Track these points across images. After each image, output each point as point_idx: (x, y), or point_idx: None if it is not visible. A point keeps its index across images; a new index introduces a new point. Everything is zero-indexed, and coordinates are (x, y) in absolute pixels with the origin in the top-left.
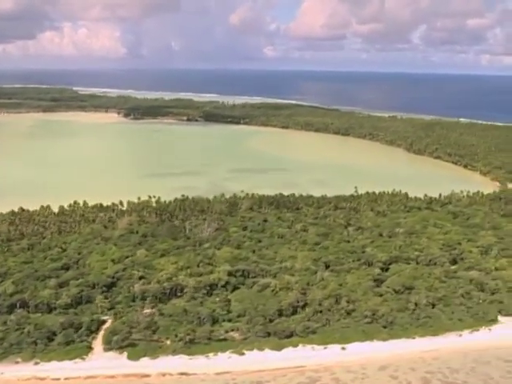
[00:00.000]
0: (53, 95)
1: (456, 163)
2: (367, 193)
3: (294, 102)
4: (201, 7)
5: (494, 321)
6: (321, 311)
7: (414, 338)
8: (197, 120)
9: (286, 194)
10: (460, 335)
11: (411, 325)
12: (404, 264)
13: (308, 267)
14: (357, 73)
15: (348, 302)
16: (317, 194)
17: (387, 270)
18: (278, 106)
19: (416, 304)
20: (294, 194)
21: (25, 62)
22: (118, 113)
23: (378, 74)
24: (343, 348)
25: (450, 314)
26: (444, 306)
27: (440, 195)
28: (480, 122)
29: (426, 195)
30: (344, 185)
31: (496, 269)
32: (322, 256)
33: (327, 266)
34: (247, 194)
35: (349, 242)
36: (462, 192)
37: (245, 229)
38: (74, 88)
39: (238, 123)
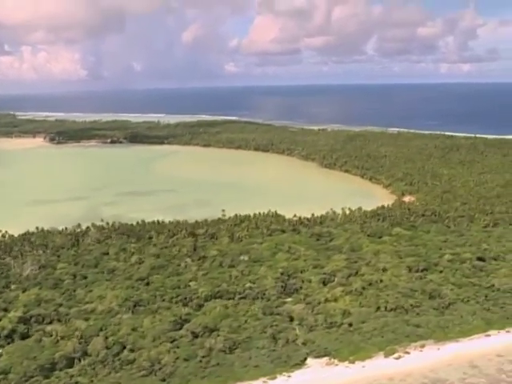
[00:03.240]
0: None
1: (362, 176)
2: (236, 215)
3: (235, 118)
4: (147, 27)
5: (300, 365)
6: (102, 362)
7: None
8: (121, 142)
9: (162, 217)
10: None
11: (196, 375)
12: (225, 300)
13: (111, 309)
14: (316, 86)
15: (133, 350)
16: (196, 215)
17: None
18: (210, 124)
19: (210, 349)
20: (144, 221)
21: None
22: (44, 137)
23: (337, 86)
24: None
25: (247, 359)
26: (243, 351)
27: (312, 214)
28: (413, 131)
29: (294, 215)
30: (230, 205)
31: (326, 300)
32: (135, 294)
33: (135, 306)
34: (106, 222)
35: (179, 275)
36: (343, 209)
37: (76, 264)
38: (17, 113)
39: (161, 143)
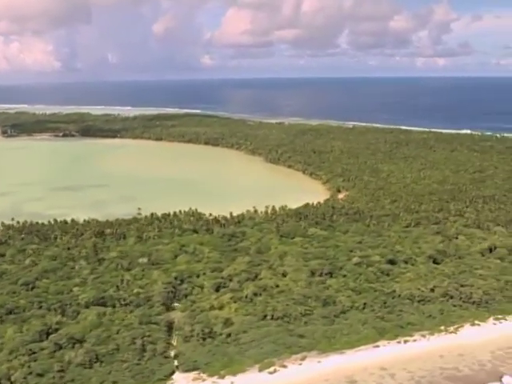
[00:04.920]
0: None
1: (304, 172)
2: (151, 214)
3: (198, 111)
4: (119, 18)
5: (163, 380)
6: None
7: None
8: (73, 135)
9: (83, 214)
10: None
11: None
12: (107, 307)
13: None
14: (292, 79)
15: None
16: (118, 212)
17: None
18: (169, 117)
19: (69, 363)
20: (56, 220)
21: None
22: None
23: (313, 79)
24: None
25: (105, 374)
26: (107, 364)
27: (231, 213)
28: (369, 124)
29: (210, 214)
30: (158, 202)
31: (211, 308)
32: (12, 301)
33: (8, 314)
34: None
35: (69, 279)
36: (266, 207)
37: None
38: None
39: (114, 137)
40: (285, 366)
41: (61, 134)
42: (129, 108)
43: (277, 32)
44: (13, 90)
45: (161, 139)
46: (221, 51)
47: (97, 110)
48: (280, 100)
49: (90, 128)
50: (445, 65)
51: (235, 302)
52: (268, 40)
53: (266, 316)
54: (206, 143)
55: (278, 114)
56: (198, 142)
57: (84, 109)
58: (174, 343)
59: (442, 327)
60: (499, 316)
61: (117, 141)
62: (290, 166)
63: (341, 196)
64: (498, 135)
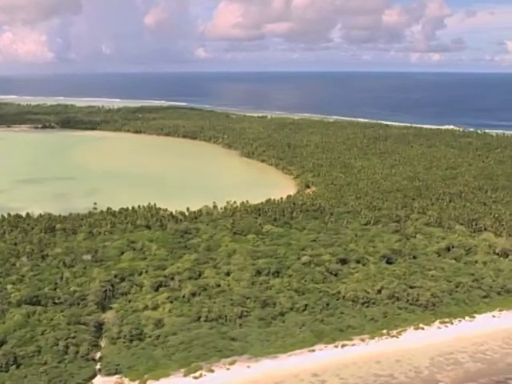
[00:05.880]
0: None
1: (277, 166)
2: (108, 209)
3: (184, 104)
4: (112, 9)
5: None
6: None
7: None
8: (52, 127)
9: (43, 207)
10: None
11: None
12: (38, 306)
13: None
14: (286, 73)
15: None
16: (79, 206)
17: None
18: (153, 109)
19: None
20: (9, 214)
21: None
22: None
23: (307, 73)
24: None
25: (21, 378)
26: (25, 367)
27: (187, 209)
28: (351, 119)
29: (165, 209)
30: (121, 196)
31: (145, 308)
32: None
33: None
34: None
35: (8, 275)
36: (227, 202)
37: None
38: None
39: (93, 129)
40: (212, 371)
41: (40, 126)
42: (117, 100)
43: (268, 25)
44: (3, 81)
45: (140, 132)
46: (215, 44)
47: (83, 102)
48: (270, 94)
49: (70, 120)
50: (439, 60)
51: (171, 302)
52: (260, 33)
53: (200, 317)
54: (185, 136)
55: (265, 107)
56: (176, 135)
57: (71, 100)
58: (103, 345)
59: (384, 331)
60: (446, 320)
61: (95, 133)
62: (263, 161)
63: (308, 191)
64: (479, 131)
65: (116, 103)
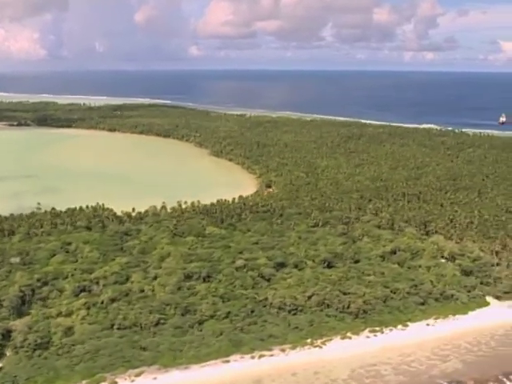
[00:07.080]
0: None
1: (242, 165)
2: (52, 209)
3: (169, 101)
4: (104, 6)
5: None
6: None
7: None
8: (28, 124)
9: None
10: None
11: None
12: None
13: None
14: (279, 71)
15: None
16: (32, 205)
17: None
18: (134, 107)
19: None
20: None
21: None
22: None
23: (299, 71)
24: None
25: None
26: None
27: (133, 209)
28: (329, 117)
29: (111, 210)
30: (77, 195)
31: (58, 314)
32: None
33: None
34: None
35: None
36: (178, 202)
37: None
38: None
39: (69, 127)
40: (115, 383)
41: (15, 123)
42: (103, 98)
43: (259, 23)
44: None
45: (114, 130)
46: (207, 42)
47: (68, 100)
48: (258, 92)
49: (46, 117)
50: (433, 59)
51: (88, 309)
52: (251, 31)
53: (113, 325)
54: (158, 135)
55: (249, 105)
56: (149, 133)
57: (56, 98)
58: (8, 354)
59: (308, 340)
60: (376, 328)
61: (70, 131)
62: (230, 160)
63: (266, 191)
64: (456, 131)
65: (102, 101)
